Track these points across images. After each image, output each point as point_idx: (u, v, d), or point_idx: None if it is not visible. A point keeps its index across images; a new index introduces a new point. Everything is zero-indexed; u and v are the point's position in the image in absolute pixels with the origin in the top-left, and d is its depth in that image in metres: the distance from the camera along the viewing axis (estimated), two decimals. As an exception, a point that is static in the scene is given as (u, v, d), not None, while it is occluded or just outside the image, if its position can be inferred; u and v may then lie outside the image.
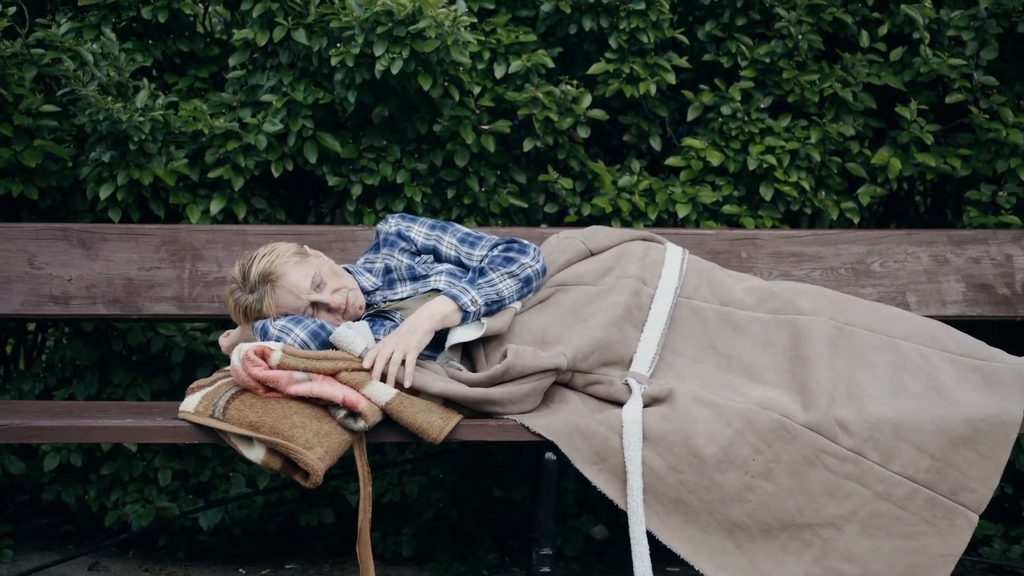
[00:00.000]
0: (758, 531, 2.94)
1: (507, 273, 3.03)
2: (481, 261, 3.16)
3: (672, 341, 3.17)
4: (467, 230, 3.24)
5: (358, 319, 3.12)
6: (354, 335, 2.98)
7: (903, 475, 2.97)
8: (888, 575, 2.94)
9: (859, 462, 2.96)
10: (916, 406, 3.04)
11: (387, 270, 3.20)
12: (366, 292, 3.18)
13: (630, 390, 3.03)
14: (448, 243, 3.20)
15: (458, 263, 3.21)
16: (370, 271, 3.23)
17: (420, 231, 3.23)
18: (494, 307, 3.05)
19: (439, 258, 3.22)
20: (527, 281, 3.08)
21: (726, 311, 3.22)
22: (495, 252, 3.15)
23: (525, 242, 3.16)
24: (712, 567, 2.93)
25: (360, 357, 2.95)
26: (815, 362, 3.09)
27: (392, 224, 3.26)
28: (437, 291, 3.12)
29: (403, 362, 2.92)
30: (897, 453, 2.97)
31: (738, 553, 2.94)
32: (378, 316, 3.16)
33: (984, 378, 3.14)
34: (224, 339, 3.26)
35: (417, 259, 3.22)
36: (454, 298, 2.98)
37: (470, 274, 3.06)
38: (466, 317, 3.01)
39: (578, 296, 3.20)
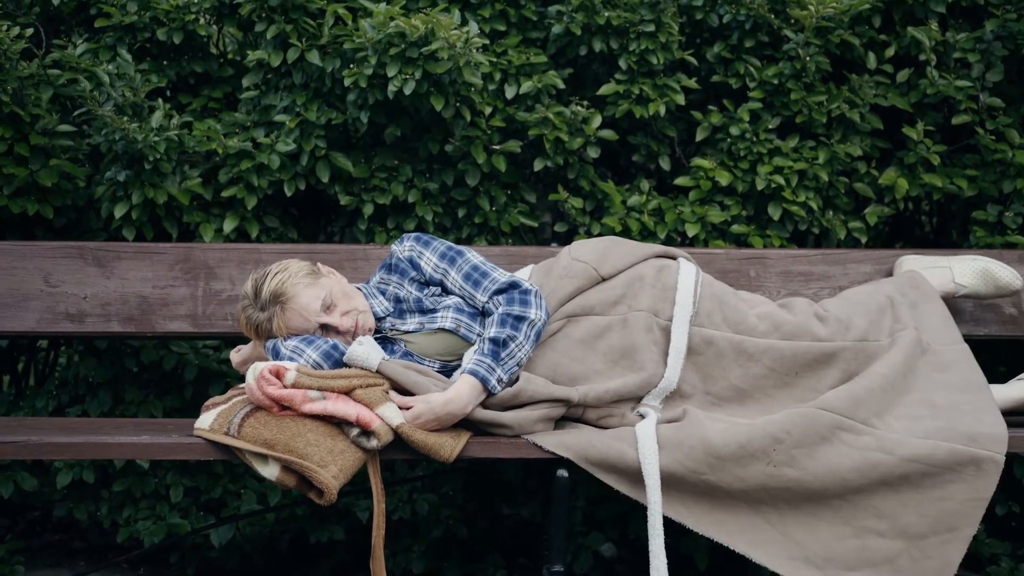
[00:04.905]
0: (786, 506, 2.97)
1: (525, 338, 3.05)
2: (484, 305, 3.13)
3: (684, 373, 3.18)
4: (476, 261, 3.19)
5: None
6: (368, 350, 3.01)
7: (922, 436, 3.01)
8: (919, 525, 2.96)
9: (874, 433, 2.99)
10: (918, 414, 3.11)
11: (397, 299, 3.21)
12: (377, 317, 3.19)
13: (642, 417, 3.07)
14: (454, 280, 3.18)
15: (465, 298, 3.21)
16: (383, 293, 3.24)
17: (430, 260, 3.21)
18: (514, 371, 3.06)
19: (446, 290, 3.23)
20: (538, 335, 3.10)
21: (739, 340, 3.20)
22: (500, 301, 3.10)
23: (525, 286, 3.12)
24: (746, 544, 2.95)
25: (377, 371, 2.98)
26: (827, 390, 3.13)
27: (406, 248, 3.24)
28: (443, 330, 3.13)
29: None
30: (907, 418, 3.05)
31: (769, 528, 2.96)
32: (386, 340, 3.18)
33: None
34: (235, 354, 3.28)
35: (425, 291, 3.22)
36: (484, 381, 2.98)
37: (490, 344, 3.01)
38: (491, 393, 3.02)
39: (587, 328, 3.19)
